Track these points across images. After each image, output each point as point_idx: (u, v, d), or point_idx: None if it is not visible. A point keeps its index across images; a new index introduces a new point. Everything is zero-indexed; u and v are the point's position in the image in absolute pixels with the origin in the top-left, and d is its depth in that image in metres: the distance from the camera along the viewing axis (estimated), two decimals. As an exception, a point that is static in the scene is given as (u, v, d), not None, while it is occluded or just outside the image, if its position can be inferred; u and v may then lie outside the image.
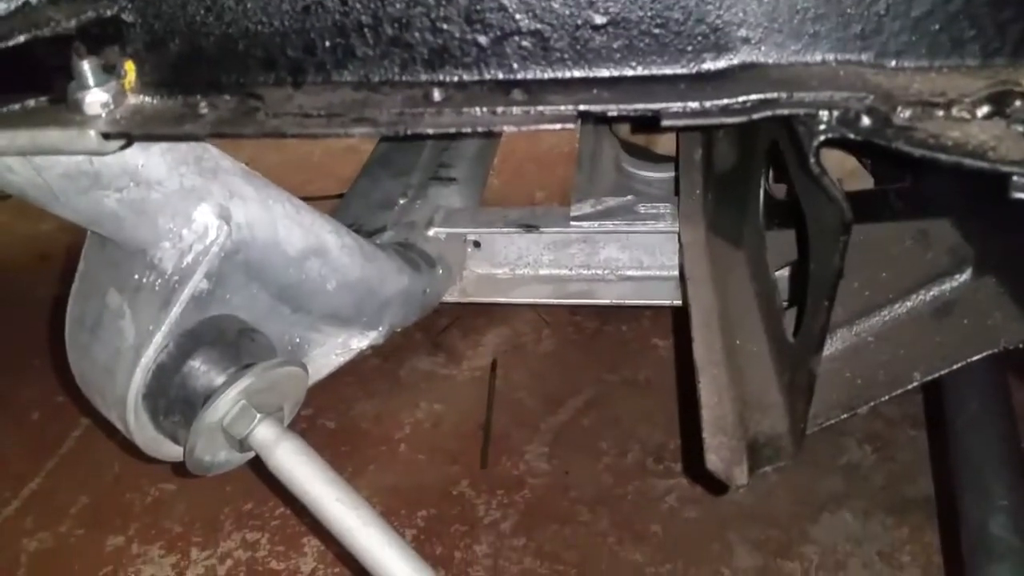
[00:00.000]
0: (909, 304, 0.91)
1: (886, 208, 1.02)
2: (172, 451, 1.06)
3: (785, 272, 1.08)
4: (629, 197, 1.37)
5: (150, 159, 0.90)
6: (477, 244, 1.41)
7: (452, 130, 0.73)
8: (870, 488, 1.65)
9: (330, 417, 1.90)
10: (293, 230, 1.07)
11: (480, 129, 0.72)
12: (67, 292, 1.08)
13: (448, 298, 1.38)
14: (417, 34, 0.77)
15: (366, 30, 0.77)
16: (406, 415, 1.90)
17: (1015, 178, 0.60)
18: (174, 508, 1.73)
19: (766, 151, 1.02)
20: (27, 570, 1.63)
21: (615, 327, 2.07)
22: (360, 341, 1.23)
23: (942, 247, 0.94)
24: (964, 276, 0.90)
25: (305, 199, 1.12)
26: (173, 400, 1.00)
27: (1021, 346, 0.82)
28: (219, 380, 1.00)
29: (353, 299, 1.17)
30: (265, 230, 1.03)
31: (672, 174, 1.41)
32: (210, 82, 0.80)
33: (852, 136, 0.67)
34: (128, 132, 0.75)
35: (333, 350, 1.21)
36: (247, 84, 0.80)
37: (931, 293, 0.90)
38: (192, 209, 0.96)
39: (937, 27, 0.73)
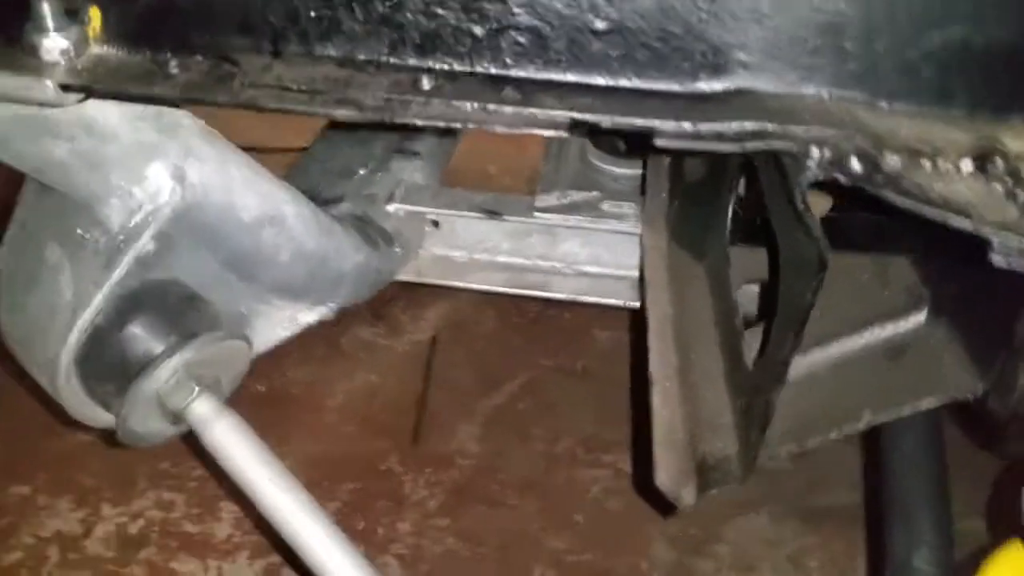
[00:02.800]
0: (863, 340, 0.92)
1: (850, 237, 1.04)
2: (103, 418, 1.01)
3: (744, 288, 1.08)
4: (594, 193, 1.36)
5: (107, 110, 0.84)
6: (436, 224, 1.38)
7: (440, 123, 0.70)
8: (786, 494, 1.69)
9: (261, 381, 1.85)
10: (249, 196, 1.02)
11: (470, 126, 0.70)
12: (-3, 236, 1.02)
13: (401, 276, 1.35)
14: (410, 15, 0.73)
15: (355, 4, 0.73)
16: (340, 384, 1.87)
17: (996, 242, 0.61)
18: (87, 461, 1.66)
19: (738, 166, 1.02)
20: (-84, 519, 1.55)
21: (557, 312, 2.06)
22: (308, 316, 1.19)
23: (900, 285, 0.96)
24: (919, 318, 0.92)
25: (260, 150, 1.07)
26: (108, 366, 0.95)
27: (969, 399, 0.85)
28: (158, 349, 0.96)
29: (305, 272, 1.13)
30: (220, 194, 0.99)
31: (639, 171, 1.41)
32: (182, 40, 0.75)
33: (841, 180, 0.68)
34: (90, 86, 0.70)
35: (279, 323, 1.17)
36: (222, 47, 0.75)
37: (885, 331, 0.92)
38: (146, 166, 0.91)
39: (929, 74, 0.73)
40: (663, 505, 0.87)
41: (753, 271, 1.05)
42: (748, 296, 1.05)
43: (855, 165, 0.67)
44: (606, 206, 1.34)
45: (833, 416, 0.87)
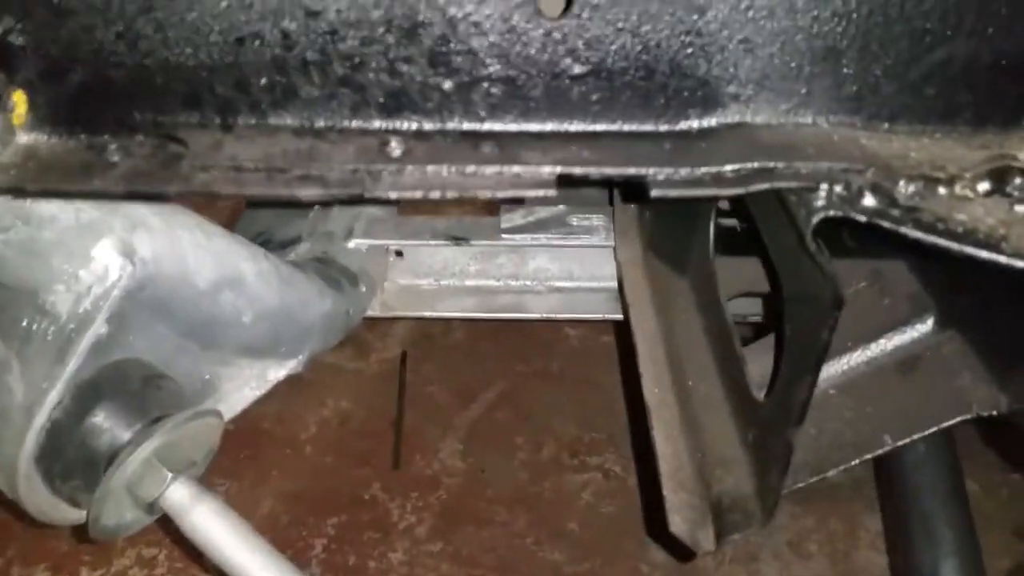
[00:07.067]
0: (869, 353, 0.89)
1: (838, 244, 0.99)
2: (70, 515, 0.94)
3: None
4: (561, 207, 1.30)
5: (40, 196, 0.76)
6: (399, 253, 1.31)
7: (418, 194, 0.64)
8: (778, 479, 1.69)
9: (228, 420, 1.78)
10: (203, 260, 0.95)
11: (450, 194, 0.64)
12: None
13: (369, 313, 1.28)
14: (372, 75, 0.67)
15: (311, 68, 0.66)
16: (311, 414, 1.80)
17: (1032, 276, 0.57)
18: (60, 526, 1.58)
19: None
20: None
21: (526, 316, 2.02)
22: (277, 371, 1.12)
23: (900, 293, 0.92)
24: (926, 328, 0.89)
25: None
26: (72, 461, 0.88)
27: (994, 414, 0.81)
28: (124, 437, 0.89)
29: (270, 330, 1.06)
30: (173, 264, 0.91)
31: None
32: (120, 120, 0.68)
33: (855, 216, 0.63)
34: (22, 187, 0.62)
35: (247, 383, 1.10)
36: (166, 125, 0.68)
37: (892, 343, 0.89)
38: (90, 247, 0.83)
39: (933, 92, 0.69)
40: (681, 551, 0.83)
41: (743, 283, 1.01)
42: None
43: (868, 200, 0.63)
44: (574, 220, 1.29)
45: (851, 442, 0.83)
